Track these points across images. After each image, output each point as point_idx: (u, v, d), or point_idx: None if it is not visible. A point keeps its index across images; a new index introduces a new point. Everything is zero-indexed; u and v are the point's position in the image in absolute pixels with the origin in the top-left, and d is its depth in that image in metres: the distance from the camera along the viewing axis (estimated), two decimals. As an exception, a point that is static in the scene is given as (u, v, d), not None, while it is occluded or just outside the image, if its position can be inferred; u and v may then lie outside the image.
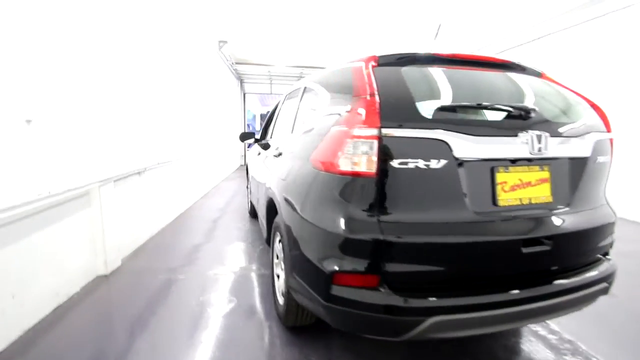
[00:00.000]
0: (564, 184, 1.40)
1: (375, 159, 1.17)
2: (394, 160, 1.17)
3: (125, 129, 3.02)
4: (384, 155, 1.17)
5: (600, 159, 1.47)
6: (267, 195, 2.30)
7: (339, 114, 1.35)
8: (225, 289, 2.46)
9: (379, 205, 1.19)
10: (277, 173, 1.99)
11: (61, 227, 2.22)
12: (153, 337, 1.87)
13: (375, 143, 1.17)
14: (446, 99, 1.31)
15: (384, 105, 1.20)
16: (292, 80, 10.58)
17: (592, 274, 1.40)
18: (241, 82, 10.89)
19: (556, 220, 1.33)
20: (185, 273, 2.72)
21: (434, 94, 1.32)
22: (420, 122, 1.21)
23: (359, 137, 1.19)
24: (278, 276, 2.12)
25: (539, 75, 1.69)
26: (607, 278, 1.44)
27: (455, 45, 6.91)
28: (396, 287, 1.18)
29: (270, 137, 2.93)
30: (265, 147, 3.16)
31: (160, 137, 3.87)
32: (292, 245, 1.55)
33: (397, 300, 1.16)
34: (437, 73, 1.43)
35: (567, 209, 1.38)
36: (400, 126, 1.18)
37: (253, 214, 4.45)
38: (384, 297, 1.16)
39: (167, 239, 3.62)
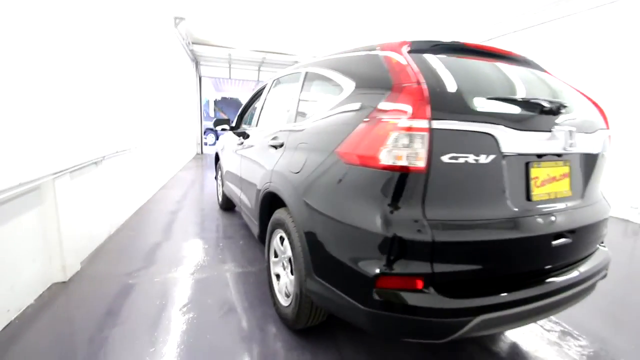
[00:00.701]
0: (578, 179, 1.45)
1: (424, 153, 1.09)
2: (445, 154, 1.10)
3: (79, 113, 2.58)
4: (435, 149, 1.09)
5: (605, 154, 1.56)
6: (261, 189, 2.12)
7: (374, 104, 1.24)
8: (210, 291, 2.25)
9: (426, 202, 1.11)
10: (281, 165, 1.82)
11: (8, 230, 1.82)
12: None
13: (426, 136, 1.09)
14: (486, 91, 1.27)
15: (432, 95, 1.12)
16: (254, 65, 10.10)
17: (599, 261, 1.49)
18: (197, 64, 10.09)
19: (577, 214, 1.38)
20: (159, 275, 2.43)
21: (472, 85, 1.27)
22: (470, 114, 1.15)
23: (407, 129, 1.10)
24: (278, 276, 1.98)
25: (543, 71, 1.73)
26: (607, 265, 1.55)
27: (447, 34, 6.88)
28: (442, 288, 1.13)
29: (256, 126, 2.71)
30: (244, 135, 2.95)
31: (117, 122, 3.40)
32: (314, 245, 1.42)
33: (445, 302, 1.10)
34: (469, 64, 1.38)
35: (581, 202, 1.44)
36: (451, 118, 1.11)
37: (225, 206, 4.18)
38: (431, 299, 1.10)
39: (131, 237, 3.23)
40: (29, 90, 1.92)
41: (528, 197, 1.27)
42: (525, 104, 1.29)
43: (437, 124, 1.10)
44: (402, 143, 1.11)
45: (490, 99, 1.23)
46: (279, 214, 1.87)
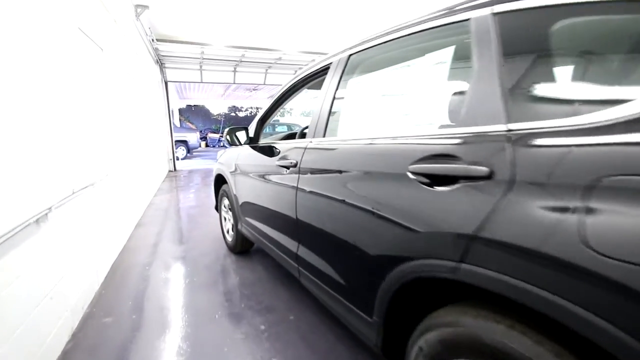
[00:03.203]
0: None
1: None
2: None
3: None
4: None
5: None
6: (401, 265, 1.04)
7: None
8: None
9: None
10: (531, 229, 0.72)
11: None
12: None
13: None
14: None
15: None
16: (229, 66, 8.77)
17: None
18: (161, 66, 8.58)
19: None
20: None
21: None
22: None
23: None
24: None
25: None
26: None
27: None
28: None
29: (322, 136, 1.61)
30: (268, 152, 1.95)
31: (71, 148, 2.14)
32: None
33: None
34: None
35: None
36: None
37: (240, 249, 3.01)
38: None
39: (105, 330, 1.98)
40: None
41: None
42: None
43: None
44: None
45: None
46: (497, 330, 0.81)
